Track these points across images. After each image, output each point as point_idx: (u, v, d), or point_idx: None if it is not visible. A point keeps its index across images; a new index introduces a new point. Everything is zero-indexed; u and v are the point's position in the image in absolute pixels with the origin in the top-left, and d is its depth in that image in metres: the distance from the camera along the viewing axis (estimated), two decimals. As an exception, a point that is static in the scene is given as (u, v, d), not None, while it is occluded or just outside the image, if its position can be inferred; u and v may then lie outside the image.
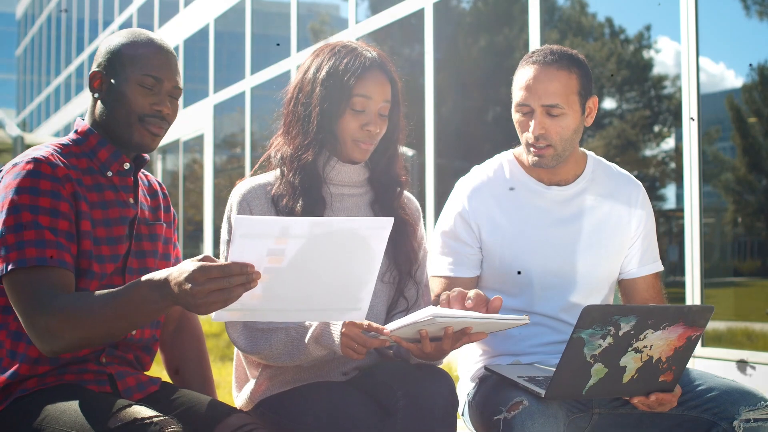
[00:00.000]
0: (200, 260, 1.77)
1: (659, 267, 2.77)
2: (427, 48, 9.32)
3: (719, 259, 6.89)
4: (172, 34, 18.07)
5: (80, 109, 26.10)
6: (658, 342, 2.17)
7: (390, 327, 2.10)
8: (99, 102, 2.28)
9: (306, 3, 13.05)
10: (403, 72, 2.56)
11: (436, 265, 2.67)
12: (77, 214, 2.14)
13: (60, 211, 2.09)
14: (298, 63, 12.07)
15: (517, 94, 2.58)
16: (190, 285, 1.75)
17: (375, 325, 2.16)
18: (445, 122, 9.32)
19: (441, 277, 2.64)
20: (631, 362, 2.18)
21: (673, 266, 6.61)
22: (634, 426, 2.50)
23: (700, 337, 2.25)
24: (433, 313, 2.01)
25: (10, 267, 1.99)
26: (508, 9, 9.29)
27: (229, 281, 1.75)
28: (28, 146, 10.77)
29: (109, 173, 2.27)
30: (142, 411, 1.88)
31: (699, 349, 6.17)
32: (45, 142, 2.32)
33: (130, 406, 1.91)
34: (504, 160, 2.72)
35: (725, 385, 2.42)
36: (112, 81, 2.25)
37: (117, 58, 2.26)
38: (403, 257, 2.52)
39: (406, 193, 2.63)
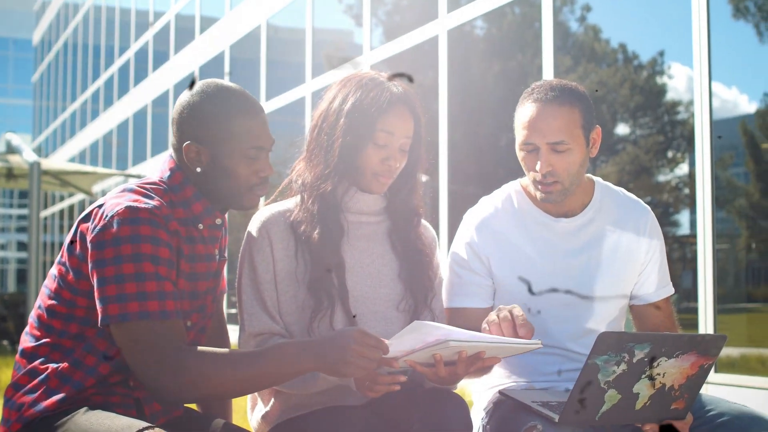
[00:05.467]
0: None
1: (670, 291, 2.77)
2: (441, 74, 9.38)
3: (733, 286, 6.88)
4: (187, 61, 18.18)
5: (95, 136, 26.18)
6: (671, 370, 2.18)
7: (396, 349, 2.11)
8: (198, 170, 2.24)
9: (321, 29, 13.13)
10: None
11: (449, 296, 2.67)
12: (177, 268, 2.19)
13: (173, 262, 2.12)
14: (313, 90, 12.15)
15: (521, 132, 2.58)
16: (350, 342, 1.99)
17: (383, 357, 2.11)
18: (459, 148, 9.36)
19: (454, 308, 2.65)
20: (644, 389, 2.19)
21: (687, 292, 6.60)
22: (647, 453, 2.50)
23: (713, 365, 2.26)
24: (447, 337, 2.03)
25: (130, 317, 2.00)
26: (521, 35, 9.34)
27: (377, 354, 2.02)
28: (45, 172, 10.74)
29: (201, 226, 2.27)
30: None
31: (712, 375, 6.15)
32: (133, 181, 2.32)
33: (150, 428, 1.94)
34: (512, 191, 2.73)
35: (736, 410, 2.41)
36: (213, 154, 2.22)
37: (213, 131, 2.22)
38: (418, 286, 2.53)
39: (422, 221, 2.65)
